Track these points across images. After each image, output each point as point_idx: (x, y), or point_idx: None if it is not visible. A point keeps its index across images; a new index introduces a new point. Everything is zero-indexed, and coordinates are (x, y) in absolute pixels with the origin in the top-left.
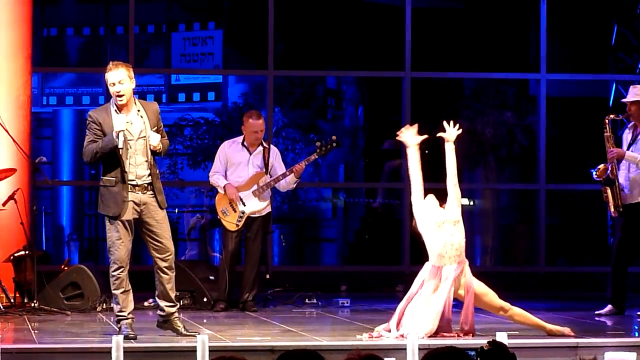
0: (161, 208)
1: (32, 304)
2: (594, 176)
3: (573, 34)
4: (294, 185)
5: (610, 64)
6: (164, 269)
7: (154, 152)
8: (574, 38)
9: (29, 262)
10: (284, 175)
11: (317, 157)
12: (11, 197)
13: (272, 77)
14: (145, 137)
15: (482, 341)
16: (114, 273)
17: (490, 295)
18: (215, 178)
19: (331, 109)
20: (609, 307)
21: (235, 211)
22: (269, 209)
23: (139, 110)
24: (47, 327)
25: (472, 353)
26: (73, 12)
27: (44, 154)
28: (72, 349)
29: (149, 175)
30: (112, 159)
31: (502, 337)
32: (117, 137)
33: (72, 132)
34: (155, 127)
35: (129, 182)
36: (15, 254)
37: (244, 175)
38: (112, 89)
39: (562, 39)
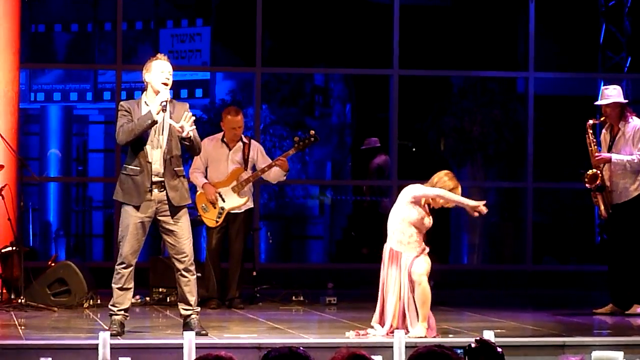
0: (174, 205)
1: (19, 300)
2: (585, 183)
3: (561, 32)
4: (284, 177)
5: (599, 62)
6: (182, 271)
7: (182, 143)
8: (562, 36)
9: (16, 258)
10: (262, 171)
11: (295, 152)
12: None
13: (260, 74)
14: (164, 135)
15: (470, 339)
16: (117, 267)
17: None
18: (194, 176)
19: (319, 106)
20: (610, 305)
21: (215, 207)
22: (250, 205)
23: (165, 95)
24: (33, 323)
25: (460, 351)
26: (61, 8)
27: (32, 150)
28: (59, 345)
29: (163, 172)
30: (139, 147)
31: (489, 335)
32: (159, 112)
33: (59, 128)
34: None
35: (153, 175)
36: (2, 250)
37: (223, 171)
38: (159, 76)
39: (550, 37)
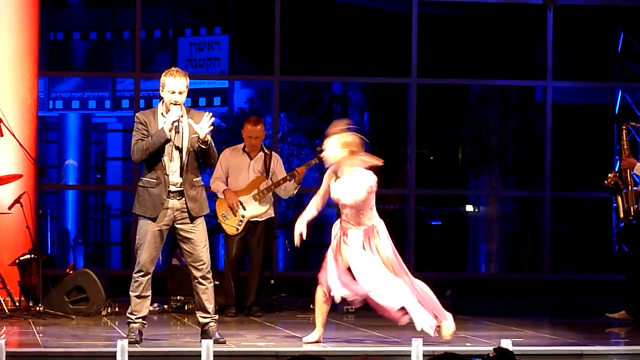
0: (193, 216)
1: (37, 308)
2: (605, 184)
3: (579, 42)
4: (295, 192)
5: (617, 71)
6: (199, 278)
7: (199, 151)
8: (580, 46)
9: (34, 266)
10: (284, 180)
11: (317, 161)
12: (17, 201)
13: (278, 83)
14: (181, 147)
15: (488, 348)
16: (135, 275)
17: None
18: (216, 184)
19: (337, 114)
20: (623, 312)
21: (235, 215)
22: (271, 213)
23: (177, 111)
24: (52, 331)
25: None
26: (80, 16)
27: (50, 158)
28: (77, 353)
29: (182, 183)
30: (154, 159)
31: (507, 344)
32: (171, 129)
33: (78, 136)
34: (197, 135)
35: (169, 188)
36: (21, 258)
37: (244, 180)
38: (170, 96)
39: (569, 47)
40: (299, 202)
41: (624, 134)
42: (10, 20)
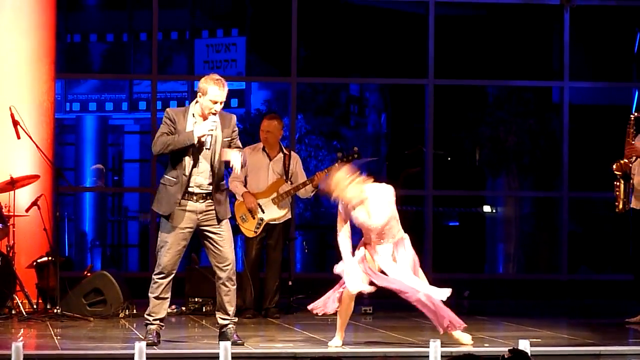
0: (219, 219)
1: (55, 310)
2: (613, 168)
3: (596, 42)
4: (312, 194)
5: (634, 71)
6: (225, 280)
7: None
8: (597, 46)
9: (51, 268)
10: (304, 184)
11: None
12: (34, 203)
13: (295, 84)
14: (211, 148)
15: (503, 349)
16: (154, 276)
17: None
18: (234, 185)
19: (354, 116)
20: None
21: (253, 218)
22: (289, 216)
23: (214, 121)
24: (69, 333)
25: None
26: (96, 19)
27: (67, 160)
28: (94, 355)
29: (210, 184)
30: (178, 159)
31: (525, 344)
32: (201, 137)
33: (95, 138)
34: (229, 138)
35: (188, 189)
36: (38, 260)
37: (263, 181)
38: (211, 105)
39: (585, 47)
40: (316, 204)
41: (631, 123)
42: (27, 22)
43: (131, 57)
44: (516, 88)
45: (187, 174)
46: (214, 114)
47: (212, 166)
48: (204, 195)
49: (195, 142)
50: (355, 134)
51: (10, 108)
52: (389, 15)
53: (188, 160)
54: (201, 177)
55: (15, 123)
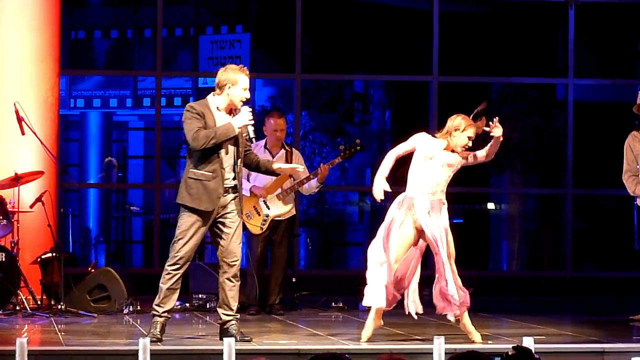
0: (235, 213)
1: (59, 306)
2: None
3: (601, 39)
4: (317, 190)
5: (638, 68)
6: (230, 276)
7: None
8: (602, 43)
9: (56, 265)
10: (308, 179)
11: (340, 160)
12: (39, 200)
13: (300, 81)
14: (232, 141)
15: (507, 346)
16: (168, 267)
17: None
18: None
19: (358, 112)
20: None
21: (259, 214)
22: (293, 212)
23: (250, 110)
24: (73, 329)
25: (497, 359)
26: (101, 15)
27: (71, 156)
28: (98, 351)
29: (234, 178)
30: (213, 152)
31: (529, 341)
32: (242, 127)
33: (99, 134)
34: (246, 134)
35: (225, 183)
36: (43, 256)
37: (267, 178)
38: (242, 93)
39: (590, 44)
40: (320, 200)
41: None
42: (32, 19)
43: (135, 54)
44: (520, 85)
45: (224, 167)
46: (245, 102)
47: (235, 160)
48: (228, 189)
49: (237, 133)
50: (360, 131)
51: (14, 104)
52: (394, 11)
53: (223, 154)
54: (227, 170)
55: (20, 119)
